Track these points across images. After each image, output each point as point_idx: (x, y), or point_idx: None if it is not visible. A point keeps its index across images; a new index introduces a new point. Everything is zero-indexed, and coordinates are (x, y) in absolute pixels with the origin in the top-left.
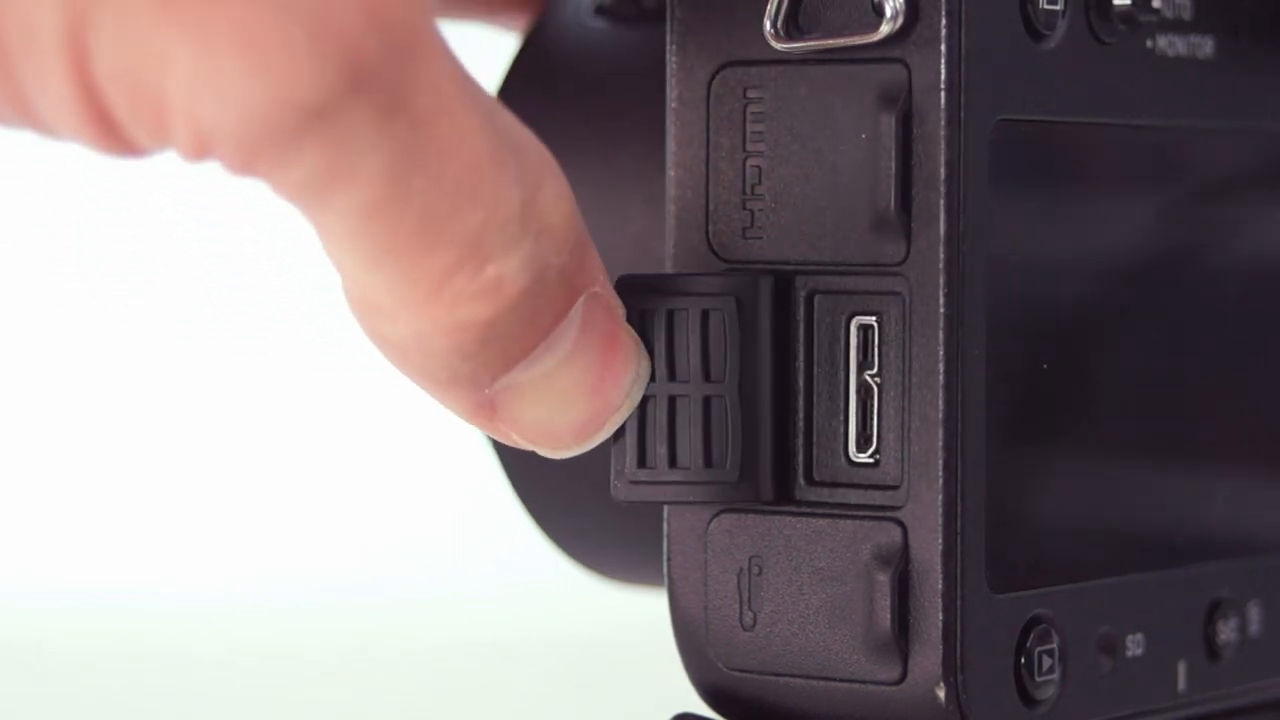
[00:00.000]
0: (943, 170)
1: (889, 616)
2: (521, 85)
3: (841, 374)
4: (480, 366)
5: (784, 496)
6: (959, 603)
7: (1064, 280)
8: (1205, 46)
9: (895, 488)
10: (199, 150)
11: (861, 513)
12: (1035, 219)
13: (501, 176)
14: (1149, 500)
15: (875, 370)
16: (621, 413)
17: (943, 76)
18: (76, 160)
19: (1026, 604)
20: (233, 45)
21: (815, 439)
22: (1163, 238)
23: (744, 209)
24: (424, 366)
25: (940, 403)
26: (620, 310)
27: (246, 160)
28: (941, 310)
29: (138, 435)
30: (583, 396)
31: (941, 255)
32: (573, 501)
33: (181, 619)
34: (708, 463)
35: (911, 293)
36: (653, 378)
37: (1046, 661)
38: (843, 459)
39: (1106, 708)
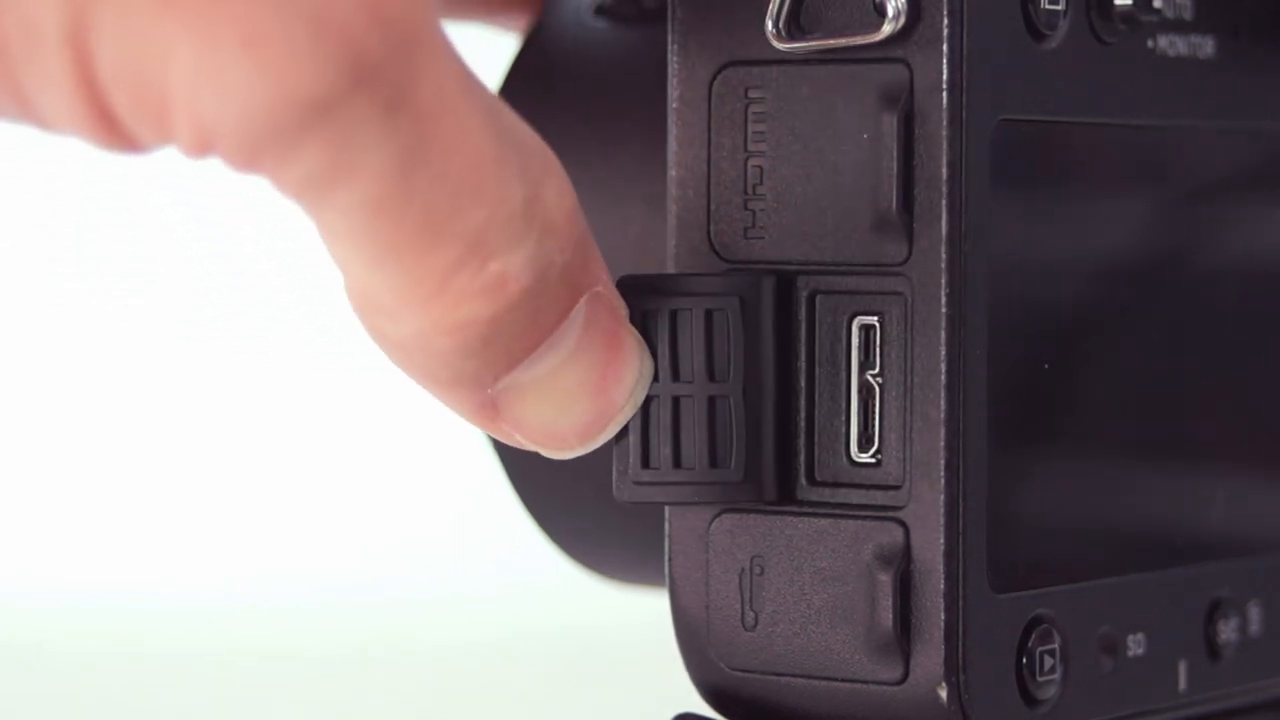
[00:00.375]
0: (944, 170)
1: (891, 616)
2: (521, 85)
3: (843, 374)
4: (483, 365)
5: (786, 496)
6: (961, 603)
7: (1065, 280)
8: (1206, 46)
9: (897, 488)
10: (201, 147)
11: (863, 513)
12: (1036, 219)
13: (504, 174)
14: (1149, 500)
15: (877, 370)
16: (625, 413)
17: (945, 76)
18: (76, 160)
19: (1028, 604)
20: (235, 41)
21: (817, 439)
22: (1163, 237)
23: (746, 209)
24: (426, 366)
25: (942, 403)
26: (623, 310)
27: (249, 157)
28: (943, 310)
29: (138, 435)
30: (586, 396)
31: (943, 255)
32: (573, 502)
33: (181, 619)
34: (712, 463)
35: (913, 293)
36: (656, 378)
37: (1048, 661)
38: (844, 459)
39: (1108, 707)
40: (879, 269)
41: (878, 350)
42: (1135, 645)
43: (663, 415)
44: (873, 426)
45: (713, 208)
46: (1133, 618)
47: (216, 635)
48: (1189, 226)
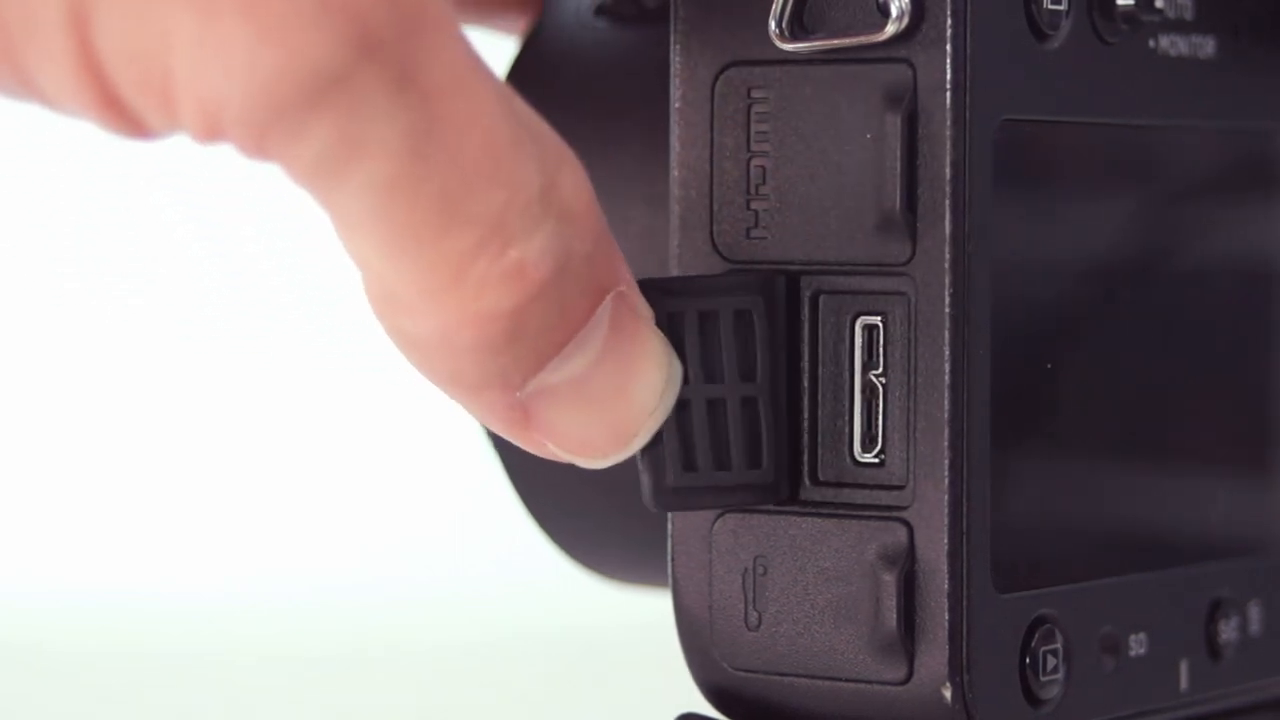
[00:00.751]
0: (948, 170)
1: (895, 616)
2: (521, 86)
3: (846, 374)
4: (510, 364)
5: (790, 496)
6: (965, 603)
7: (1067, 280)
8: (1206, 46)
9: (900, 488)
10: (209, 129)
11: (867, 513)
12: (1039, 218)
13: (520, 157)
14: (1151, 500)
15: (880, 370)
16: (656, 418)
17: (948, 76)
18: (77, 159)
19: (1031, 604)
20: (238, 14)
21: (820, 439)
22: (1165, 237)
23: (748, 209)
24: (451, 367)
25: (945, 403)
26: (647, 312)
27: (258, 137)
28: (947, 310)
29: (138, 435)
30: (617, 400)
31: (947, 255)
32: (574, 502)
33: (181, 619)
34: (752, 464)
35: (917, 293)
36: (686, 380)
37: (1051, 661)
38: (848, 459)
39: (1110, 707)
40: (882, 269)
41: (881, 350)
42: (1137, 645)
43: (700, 418)
44: (876, 426)
45: (715, 208)
46: (1134, 618)
47: (216, 635)
48: (1191, 226)
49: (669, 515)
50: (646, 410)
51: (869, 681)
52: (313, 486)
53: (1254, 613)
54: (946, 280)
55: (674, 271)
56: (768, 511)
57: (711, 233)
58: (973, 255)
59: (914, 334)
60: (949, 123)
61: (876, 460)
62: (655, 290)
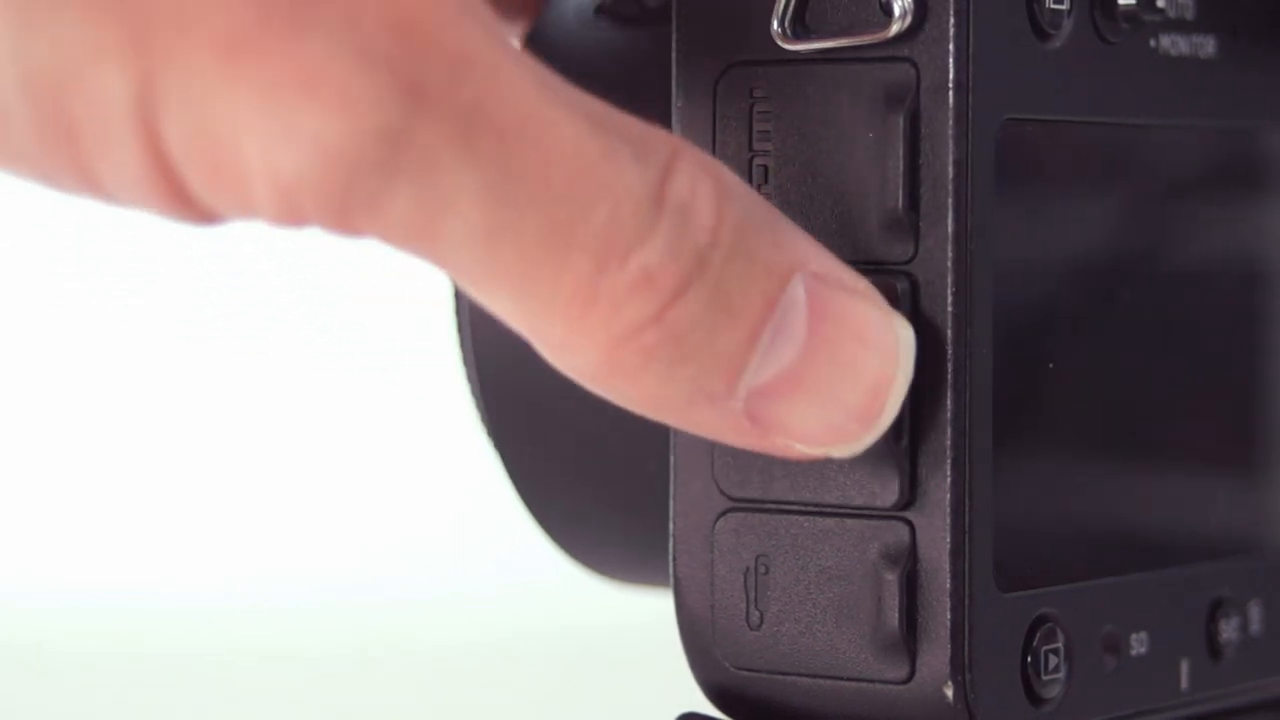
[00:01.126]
0: (950, 169)
1: (897, 616)
2: None
3: None
4: (700, 372)
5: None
6: (967, 602)
7: (1069, 279)
8: (1207, 46)
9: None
10: (289, 211)
11: (869, 512)
12: (1041, 218)
13: (615, 167)
14: (1152, 500)
15: None
16: (898, 385)
17: (950, 76)
18: None
19: (1033, 603)
20: (299, 89)
21: None
22: (1166, 236)
23: None
24: (642, 393)
25: (948, 401)
26: (855, 281)
27: (340, 210)
28: (949, 309)
29: (138, 435)
30: (846, 380)
31: (949, 254)
32: (574, 502)
33: (181, 619)
34: None
35: (919, 292)
36: None
37: (1052, 660)
38: None
39: (1111, 706)
40: (884, 268)
41: None
42: (1138, 644)
43: None
44: None
45: None
46: (1135, 617)
47: (216, 635)
48: (1193, 225)
49: (671, 513)
50: (885, 381)
51: (871, 681)
52: (313, 487)
53: (1254, 612)
54: (949, 279)
55: None
56: (769, 510)
57: None
58: (975, 254)
59: (916, 333)
60: (951, 122)
61: None
62: None
